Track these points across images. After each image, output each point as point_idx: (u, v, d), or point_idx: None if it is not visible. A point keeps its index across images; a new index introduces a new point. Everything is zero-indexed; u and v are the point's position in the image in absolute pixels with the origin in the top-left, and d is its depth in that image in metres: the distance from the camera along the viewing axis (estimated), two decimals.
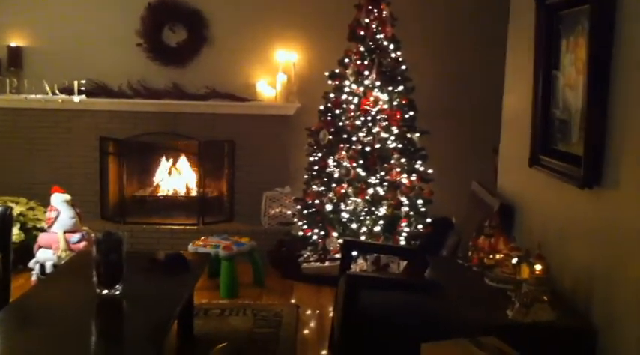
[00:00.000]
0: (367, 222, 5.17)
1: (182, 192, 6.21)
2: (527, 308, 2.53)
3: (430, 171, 5.33)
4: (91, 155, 5.98)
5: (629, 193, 2.41)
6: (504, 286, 2.84)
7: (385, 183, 5.21)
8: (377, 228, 5.16)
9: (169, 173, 6.20)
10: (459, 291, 2.98)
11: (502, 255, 2.99)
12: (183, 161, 6.20)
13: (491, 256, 3.05)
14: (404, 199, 5.23)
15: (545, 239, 2.86)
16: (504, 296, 2.74)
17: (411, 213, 5.25)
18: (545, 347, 2.35)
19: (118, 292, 3.15)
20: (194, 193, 6.15)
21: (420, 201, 5.27)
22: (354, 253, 4.85)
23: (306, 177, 5.49)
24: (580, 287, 2.75)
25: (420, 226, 5.21)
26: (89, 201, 5.82)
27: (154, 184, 6.23)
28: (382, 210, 5.19)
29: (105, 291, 3.14)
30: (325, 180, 5.33)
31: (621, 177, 2.47)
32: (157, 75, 6.00)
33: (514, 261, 2.83)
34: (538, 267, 2.59)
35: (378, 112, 5.24)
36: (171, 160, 6.20)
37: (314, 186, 5.39)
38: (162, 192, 6.22)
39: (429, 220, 5.09)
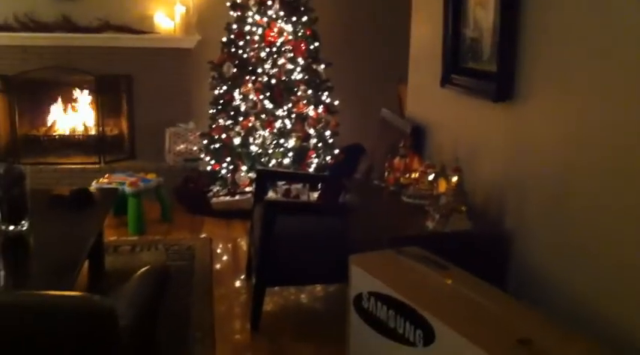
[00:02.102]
0: (276, 154, 5.16)
1: (80, 130, 5.93)
2: (446, 218, 2.63)
3: (336, 102, 5.35)
4: None
5: (540, 105, 2.52)
6: (421, 202, 2.93)
7: (292, 116, 5.20)
8: (286, 161, 5.16)
9: (65, 111, 5.89)
10: (378, 210, 3.05)
11: (418, 174, 3.07)
12: (79, 98, 5.90)
13: (407, 175, 3.12)
14: (311, 131, 5.24)
15: (459, 155, 2.94)
16: (422, 211, 2.83)
17: (319, 144, 5.28)
18: (464, 254, 2.45)
19: (24, 228, 3.03)
20: (93, 131, 5.89)
21: (327, 133, 5.31)
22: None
23: (211, 111, 5.37)
24: (492, 198, 2.87)
25: (328, 157, 5.26)
26: None
27: (49, 123, 5.91)
28: (290, 143, 5.18)
29: (11, 227, 3.01)
30: (231, 113, 5.24)
31: (532, 91, 2.58)
32: (45, 7, 5.61)
33: (430, 177, 2.92)
34: (455, 179, 2.69)
35: (282, 43, 5.17)
36: (66, 97, 5.88)
37: (220, 121, 5.29)
38: (59, 130, 5.91)
39: (336, 151, 5.14)
